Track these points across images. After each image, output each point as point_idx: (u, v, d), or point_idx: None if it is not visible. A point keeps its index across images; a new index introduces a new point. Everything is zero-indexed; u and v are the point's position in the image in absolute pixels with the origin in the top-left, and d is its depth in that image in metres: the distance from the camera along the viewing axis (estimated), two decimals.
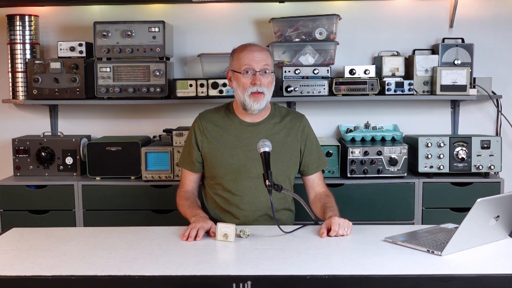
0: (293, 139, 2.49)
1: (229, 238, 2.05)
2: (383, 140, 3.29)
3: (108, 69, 3.28)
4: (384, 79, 3.29)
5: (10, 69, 3.41)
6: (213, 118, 2.51)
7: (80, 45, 3.35)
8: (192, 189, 2.52)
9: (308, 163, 2.51)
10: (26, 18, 3.38)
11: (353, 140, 3.31)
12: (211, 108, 2.60)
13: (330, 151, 3.13)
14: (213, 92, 3.27)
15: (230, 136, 2.46)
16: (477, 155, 3.15)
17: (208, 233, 2.14)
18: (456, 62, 3.34)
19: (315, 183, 2.52)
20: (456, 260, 1.84)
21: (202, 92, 3.28)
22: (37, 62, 3.30)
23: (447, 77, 3.26)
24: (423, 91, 3.34)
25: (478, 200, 1.81)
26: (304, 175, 2.53)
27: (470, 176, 3.19)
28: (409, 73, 3.39)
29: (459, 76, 3.25)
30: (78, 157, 3.30)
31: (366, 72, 3.31)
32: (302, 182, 2.58)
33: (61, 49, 3.35)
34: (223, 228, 2.06)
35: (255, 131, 2.45)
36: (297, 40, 3.35)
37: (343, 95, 3.29)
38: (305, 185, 2.55)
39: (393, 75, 3.35)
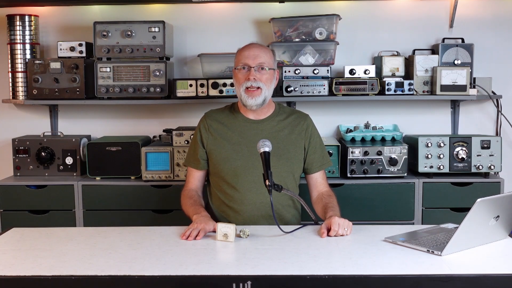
0: (297, 136, 2.51)
1: (229, 238, 2.05)
2: (383, 140, 3.29)
3: (108, 69, 3.28)
4: (384, 79, 3.29)
5: (10, 69, 3.42)
6: (218, 117, 2.55)
7: (80, 45, 3.35)
8: (196, 187, 2.54)
9: (312, 161, 2.52)
10: (26, 18, 3.38)
11: (353, 140, 3.31)
12: (216, 108, 2.63)
13: (330, 151, 3.13)
14: (213, 92, 3.27)
15: (234, 133, 2.48)
16: (477, 155, 3.15)
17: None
18: (456, 62, 3.34)
19: (318, 182, 2.53)
20: (456, 260, 1.84)
21: (202, 92, 3.28)
22: (37, 62, 3.30)
23: (447, 77, 3.26)
24: (423, 91, 3.34)
25: (478, 200, 1.81)
26: (308, 173, 2.55)
27: (470, 176, 3.19)
28: (409, 73, 3.39)
29: (459, 76, 3.25)
30: (78, 157, 3.30)
31: (366, 72, 3.31)
32: (305, 182, 2.58)
33: (61, 49, 3.35)
34: (223, 228, 2.06)
35: (259, 128, 2.48)
36: (297, 40, 3.35)
37: (343, 95, 3.29)
38: (308, 184, 2.56)
39: (393, 75, 3.35)
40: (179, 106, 3.56)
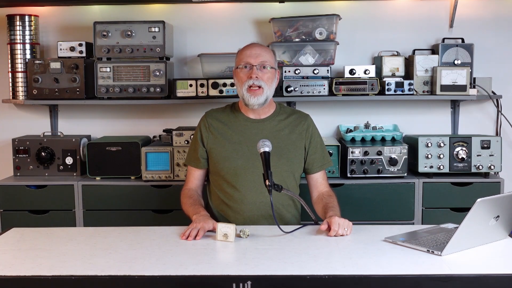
0: (297, 136, 2.51)
1: (229, 238, 2.05)
2: (383, 140, 3.29)
3: (108, 69, 3.28)
4: (384, 79, 3.29)
5: (10, 69, 3.42)
6: (219, 116, 2.56)
7: (80, 45, 3.35)
8: (196, 186, 2.55)
9: (313, 161, 2.52)
10: (26, 18, 3.38)
11: (353, 140, 3.31)
12: (217, 107, 2.63)
13: (330, 151, 3.13)
14: (213, 92, 3.27)
15: (234, 132, 2.49)
16: (477, 155, 3.15)
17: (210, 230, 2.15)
18: (456, 62, 3.34)
19: (319, 182, 2.53)
20: (456, 260, 1.84)
21: (202, 92, 3.28)
22: (37, 62, 3.30)
23: (447, 77, 3.26)
24: (423, 91, 3.34)
25: (478, 200, 1.81)
26: (308, 173, 2.55)
27: (470, 176, 3.19)
28: (409, 73, 3.39)
29: (459, 76, 3.25)
30: (78, 157, 3.30)
31: (366, 72, 3.31)
32: (306, 182, 2.58)
33: (61, 49, 3.35)
34: (223, 228, 2.06)
35: (260, 127, 2.49)
36: (297, 40, 3.35)
37: (343, 95, 3.29)
38: (309, 184, 2.56)
39: (393, 75, 3.35)
40: (179, 106, 3.56)
